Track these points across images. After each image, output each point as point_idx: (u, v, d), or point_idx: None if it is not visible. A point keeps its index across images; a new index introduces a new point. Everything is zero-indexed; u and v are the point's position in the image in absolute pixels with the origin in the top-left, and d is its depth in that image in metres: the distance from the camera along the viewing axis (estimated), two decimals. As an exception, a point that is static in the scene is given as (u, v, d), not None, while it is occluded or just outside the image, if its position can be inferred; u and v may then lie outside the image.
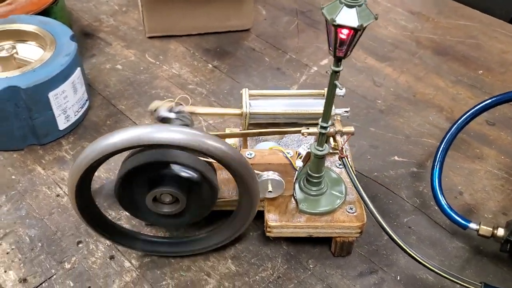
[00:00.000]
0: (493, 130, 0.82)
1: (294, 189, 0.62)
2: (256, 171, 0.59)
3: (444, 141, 0.69)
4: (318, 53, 0.96)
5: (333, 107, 0.63)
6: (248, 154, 0.59)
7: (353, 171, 0.59)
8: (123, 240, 0.60)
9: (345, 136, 0.68)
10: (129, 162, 0.54)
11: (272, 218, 0.60)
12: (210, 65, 0.92)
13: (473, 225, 0.64)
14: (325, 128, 0.56)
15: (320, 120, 0.56)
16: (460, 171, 0.76)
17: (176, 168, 0.54)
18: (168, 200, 0.56)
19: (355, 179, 0.58)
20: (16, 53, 0.74)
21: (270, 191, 0.59)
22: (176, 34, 0.98)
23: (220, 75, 0.90)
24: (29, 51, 0.77)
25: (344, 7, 0.45)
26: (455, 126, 0.71)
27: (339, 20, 0.45)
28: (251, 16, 0.99)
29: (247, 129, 0.64)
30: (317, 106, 0.64)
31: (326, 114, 0.55)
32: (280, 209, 0.61)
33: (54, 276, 0.60)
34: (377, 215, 0.56)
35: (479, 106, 0.71)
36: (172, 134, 0.49)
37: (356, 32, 0.46)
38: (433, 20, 1.06)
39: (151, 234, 0.63)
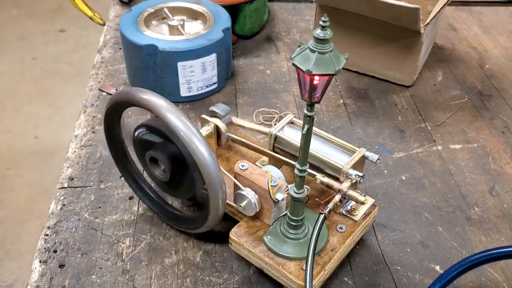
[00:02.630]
0: None
1: (275, 221, 0.62)
2: (239, 184, 0.61)
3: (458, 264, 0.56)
4: (457, 136, 0.86)
5: (348, 166, 0.60)
6: (241, 166, 0.62)
7: (316, 237, 0.55)
8: (128, 178, 0.71)
9: (367, 206, 0.63)
10: (153, 121, 0.64)
11: (236, 232, 0.62)
12: (341, 101, 0.93)
13: None
14: (300, 171, 0.54)
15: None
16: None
17: (176, 150, 0.61)
18: (161, 167, 0.64)
19: (313, 243, 0.55)
20: (182, 25, 0.92)
21: (240, 206, 0.61)
22: (337, 65, 1.01)
23: (342, 112, 0.90)
24: (194, 27, 0.93)
25: (307, 50, 0.45)
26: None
27: (296, 60, 0.45)
28: (412, 75, 0.95)
29: (271, 150, 0.66)
30: (339, 159, 0.62)
31: (301, 158, 0.53)
32: (249, 230, 0.62)
33: (89, 187, 0.75)
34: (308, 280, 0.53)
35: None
36: (167, 114, 0.57)
37: (311, 76, 0.45)
38: None
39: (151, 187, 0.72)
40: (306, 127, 0.50)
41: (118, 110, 0.64)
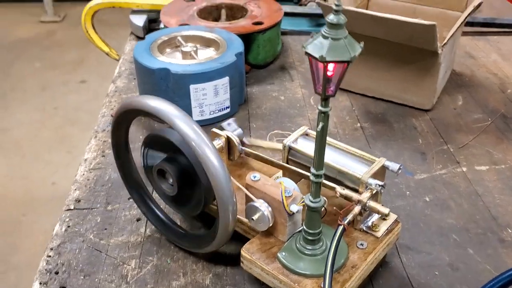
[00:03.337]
0: None
1: (290, 237, 0.57)
2: (251, 195, 0.58)
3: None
4: (482, 158, 0.82)
5: (367, 176, 0.56)
6: (252, 177, 0.58)
7: (335, 250, 0.51)
8: (133, 194, 0.68)
9: (389, 222, 0.59)
10: (162, 131, 0.61)
11: (248, 249, 0.57)
12: (358, 124, 0.90)
13: None
14: (316, 176, 0.51)
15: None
16: None
17: (185, 161, 0.58)
18: (169, 181, 0.61)
19: (331, 256, 0.51)
20: (195, 52, 0.91)
21: (252, 219, 0.57)
22: (353, 90, 0.99)
23: (359, 135, 0.87)
24: (207, 54, 0.93)
25: (320, 37, 0.43)
26: None
27: (309, 48, 0.43)
28: (431, 98, 0.92)
29: (285, 163, 0.63)
30: (358, 169, 0.58)
31: (316, 160, 0.50)
32: (262, 247, 0.57)
33: (95, 209, 0.72)
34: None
35: None
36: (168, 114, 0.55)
37: (325, 64, 0.42)
38: None
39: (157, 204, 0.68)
40: (320, 124, 0.47)
41: (126, 119, 0.62)
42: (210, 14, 1.13)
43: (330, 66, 0.43)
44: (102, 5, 1.20)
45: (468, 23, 1.20)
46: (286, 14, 1.19)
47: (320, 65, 0.43)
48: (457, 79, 1.04)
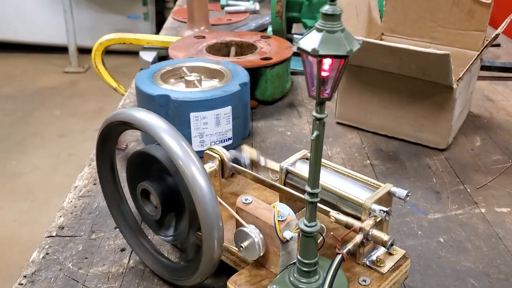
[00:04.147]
0: None
1: (283, 269, 0.51)
2: (242, 220, 0.52)
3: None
4: (503, 199, 0.75)
5: (371, 201, 0.51)
6: (244, 199, 0.53)
7: (331, 282, 0.44)
8: (114, 213, 0.62)
9: (396, 257, 0.53)
10: (148, 148, 0.56)
11: (235, 281, 0.51)
12: (368, 161, 0.84)
13: None
14: (311, 195, 0.45)
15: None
16: None
17: (171, 182, 0.54)
18: (153, 202, 0.56)
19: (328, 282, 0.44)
20: (198, 81, 0.88)
21: (241, 246, 0.51)
22: (364, 128, 0.94)
23: (368, 172, 0.81)
24: (210, 84, 0.89)
25: (314, 30, 0.38)
26: None
27: (301, 42, 0.38)
28: (447, 137, 0.86)
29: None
30: (360, 194, 0.52)
31: (312, 176, 0.44)
32: (252, 279, 0.51)
33: (78, 237, 0.67)
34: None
35: None
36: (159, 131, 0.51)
37: (318, 59, 0.38)
38: None
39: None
40: (315, 133, 0.42)
41: (111, 134, 0.57)
42: (219, 50, 1.12)
43: (326, 64, 0.38)
44: (112, 41, 1.20)
45: (486, 67, 1.16)
46: (299, 55, 1.17)
47: (314, 62, 0.38)
48: (474, 121, 0.98)
